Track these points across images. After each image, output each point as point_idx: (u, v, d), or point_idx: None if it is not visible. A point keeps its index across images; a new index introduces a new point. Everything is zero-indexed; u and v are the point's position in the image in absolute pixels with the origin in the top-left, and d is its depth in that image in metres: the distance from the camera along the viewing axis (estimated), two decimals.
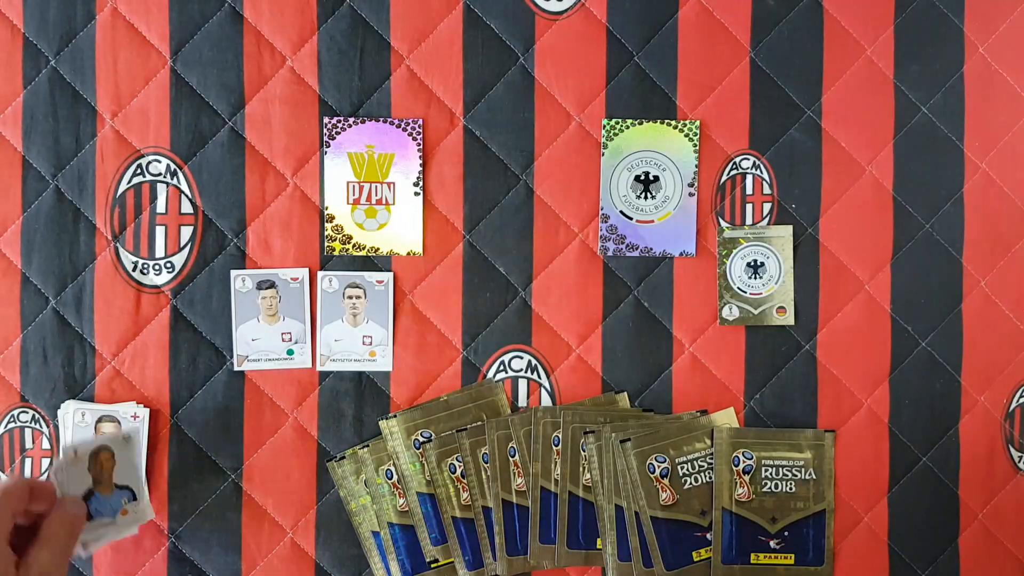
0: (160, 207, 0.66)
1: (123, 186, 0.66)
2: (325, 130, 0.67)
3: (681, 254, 0.68)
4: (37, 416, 0.66)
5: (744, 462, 0.67)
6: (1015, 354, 0.69)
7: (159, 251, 0.66)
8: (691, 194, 0.68)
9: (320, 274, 0.66)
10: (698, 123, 0.68)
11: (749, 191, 0.68)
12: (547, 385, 0.68)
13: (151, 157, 0.66)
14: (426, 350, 0.67)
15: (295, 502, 0.67)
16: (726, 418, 0.68)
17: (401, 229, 0.67)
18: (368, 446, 0.66)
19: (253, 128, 0.66)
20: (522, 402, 0.68)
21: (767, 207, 0.68)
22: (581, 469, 0.66)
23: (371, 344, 0.67)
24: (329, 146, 0.67)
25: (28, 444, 0.66)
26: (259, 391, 0.67)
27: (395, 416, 0.66)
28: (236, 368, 0.66)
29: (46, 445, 0.66)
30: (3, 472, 0.66)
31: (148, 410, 0.65)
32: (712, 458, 0.67)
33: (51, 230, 0.66)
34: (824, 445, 0.67)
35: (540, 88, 0.68)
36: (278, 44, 0.67)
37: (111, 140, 0.66)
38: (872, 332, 0.69)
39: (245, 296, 0.66)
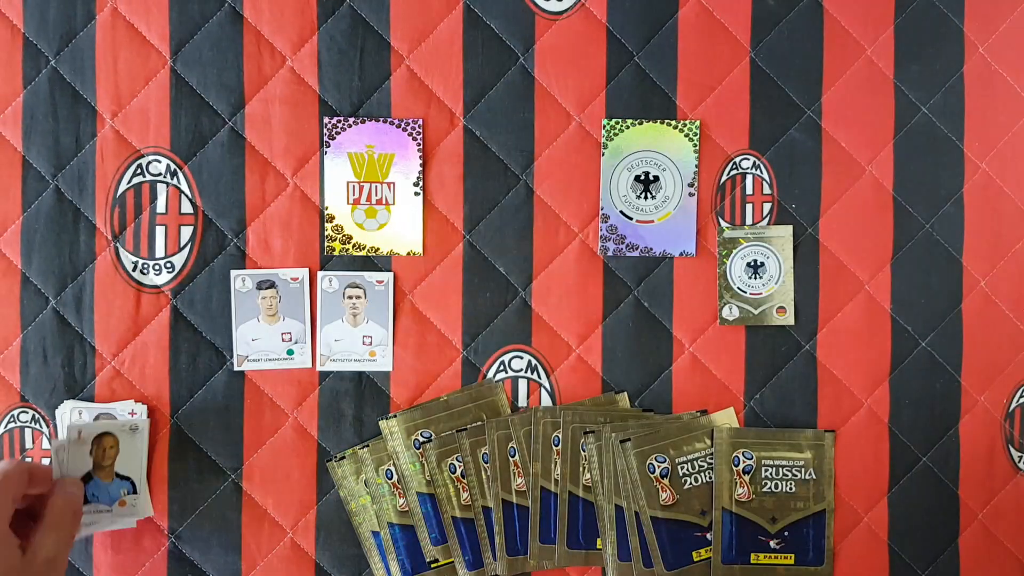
0: (160, 207, 0.66)
1: (123, 186, 0.66)
2: (325, 130, 0.67)
3: (681, 254, 0.68)
4: (37, 416, 0.66)
5: (744, 462, 0.67)
6: (1015, 354, 0.69)
7: (159, 251, 0.66)
8: (691, 194, 0.68)
9: (320, 274, 0.67)
10: (698, 123, 0.68)
11: (749, 191, 0.68)
12: (547, 385, 0.68)
13: (151, 157, 0.66)
14: (426, 350, 0.67)
15: (295, 502, 0.67)
16: (726, 418, 0.68)
17: (401, 229, 0.67)
18: (368, 446, 0.66)
19: (253, 128, 0.66)
20: (522, 402, 0.68)
21: (767, 207, 0.68)
22: (581, 469, 0.66)
23: (371, 344, 0.67)
24: (329, 146, 0.67)
25: (28, 444, 0.66)
26: (259, 391, 0.67)
27: (395, 416, 0.66)
28: (236, 368, 0.66)
29: (46, 445, 0.66)
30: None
31: (146, 407, 0.65)
32: (712, 458, 0.67)
33: (51, 230, 0.66)
34: (824, 445, 0.67)
35: (540, 88, 0.68)
36: (278, 44, 0.67)
37: (111, 140, 0.66)
38: (872, 332, 0.69)
39: (245, 296, 0.66)
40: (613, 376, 0.68)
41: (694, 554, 0.66)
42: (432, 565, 0.66)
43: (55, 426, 0.65)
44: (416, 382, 0.67)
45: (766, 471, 0.67)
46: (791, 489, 0.67)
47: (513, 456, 0.66)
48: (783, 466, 0.67)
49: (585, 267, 0.68)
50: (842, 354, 0.68)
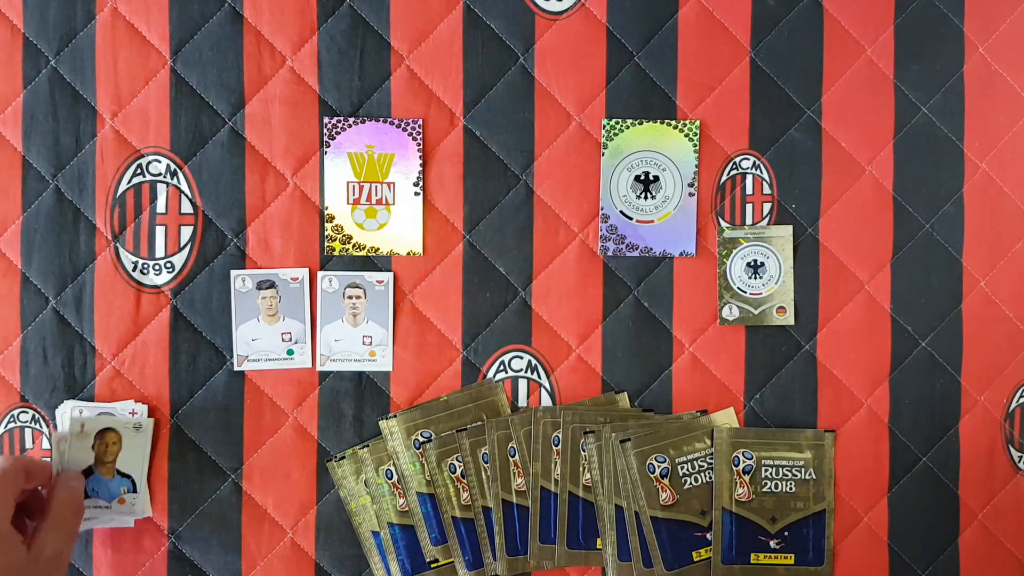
0: (160, 207, 0.66)
1: (123, 186, 0.66)
2: (325, 130, 0.67)
3: (681, 254, 0.68)
4: (37, 416, 0.66)
5: (744, 462, 0.67)
6: (1015, 354, 0.69)
7: (159, 251, 0.66)
8: (691, 194, 0.68)
9: (320, 274, 0.67)
10: (698, 123, 0.68)
11: (749, 191, 0.68)
12: (547, 385, 0.68)
13: (151, 157, 0.66)
14: (426, 350, 0.67)
15: (295, 502, 0.67)
16: (726, 418, 0.68)
17: (401, 229, 0.67)
18: (368, 446, 0.66)
19: (253, 128, 0.66)
20: (522, 402, 0.68)
21: (767, 207, 0.68)
22: (581, 469, 0.66)
23: (371, 344, 0.67)
24: (329, 146, 0.67)
25: (28, 444, 0.66)
26: (259, 391, 0.67)
27: (395, 416, 0.66)
28: (236, 368, 0.66)
29: (46, 445, 0.66)
30: None
31: (146, 407, 0.65)
32: (712, 458, 0.67)
33: (51, 230, 0.66)
34: (824, 445, 0.67)
35: (540, 88, 0.68)
36: (278, 44, 0.67)
37: (111, 140, 0.66)
38: (872, 332, 0.69)
39: (245, 296, 0.66)
40: (613, 376, 0.68)
41: (694, 554, 0.66)
42: (432, 565, 0.66)
43: (55, 426, 0.65)
44: (416, 382, 0.67)
45: (766, 471, 0.67)
46: (791, 489, 0.67)
47: (513, 456, 0.66)
48: (783, 466, 0.67)
49: (585, 267, 0.68)
50: (842, 354, 0.68)
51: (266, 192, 0.67)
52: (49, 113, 0.66)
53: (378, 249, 0.67)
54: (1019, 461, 0.69)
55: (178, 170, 0.66)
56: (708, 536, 0.66)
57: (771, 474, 0.67)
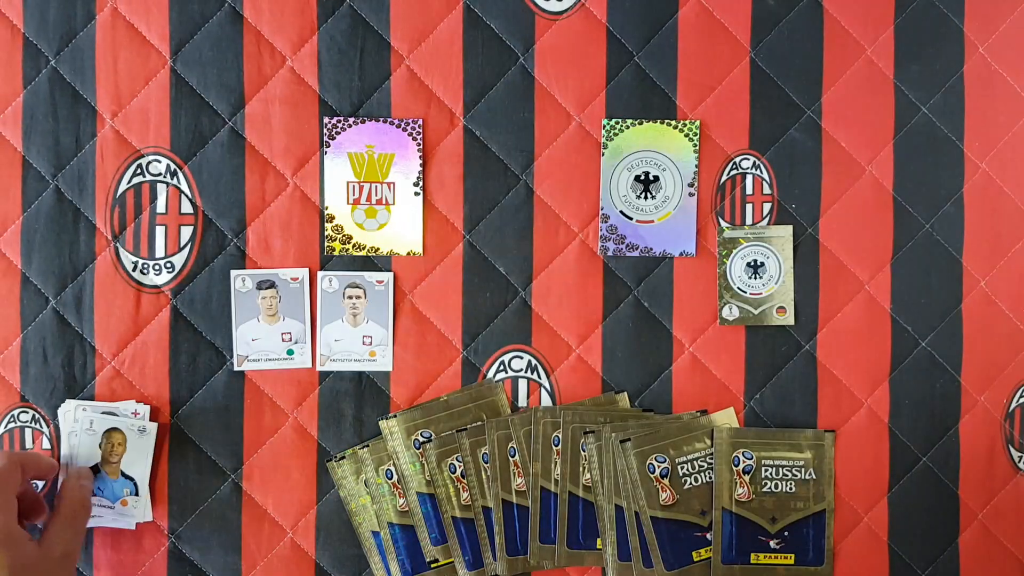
0: (160, 207, 0.66)
1: (123, 186, 0.66)
2: (325, 130, 0.67)
3: (681, 254, 0.68)
4: (37, 416, 0.66)
5: (744, 462, 0.67)
6: (1015, 354, 0.69)
7: (159, 251, 0.66)
8: (691, 194, 0.68)
9: (320, 274, 0.67)
10: (698, 123, 0.68)
11: (749, 191, 0.68)
12: (547, 385, 0.68)
13: (151, 157, 0.66)
14: (426, 350, 0.67)
15: (295, 502, 0.67)
16: (726, 418, 0.68)
17: (401, 229, 0.67)
18: (368, 446, 0.66)
19: (253, 128, 0.66)
20: (522, 402, 0.68)
21: (767, 207, 0.68)
22: (581, 469, 0.66)
23: (371, 344, 0.67)
24: (329, 146, 0.67)
25: (28, 444, 0.66)
26: (259, 391, 0.67)
27: (395, 416, 0.66)
28: (236, 368, 0.66)
29: (46, 445, 0.66)
30: None
31: (148, 407, 0.65)
32: (712, 458, 0.67)
33: (51, 230, 0.66)
34: (824, 445, 0.67)
35: (540, 88, 0.68)
36: (278, 44, 0.67)
37: (111, 140, 0.66)
38: (872, 332, 0.69)
39: (245, 296, 0.66)
40: (613, 376, 0.68)
41: (694, 554, 0.66)
42: (432, 565, 0.66)
43: (56, 426, 0.65)
44: (416, 382, 0.67)
45: (766, 471, 0.67)
46: (791, 489, 0.67)
47: (513, 456, 0.66)
48: (783, 466, 0.67)
49: (585, 267, 0.68)
50: (842, 354, 0.68)
51: (266, 192, 0.67)
52: (49, 113, 0.66)
53: (378, 249, 0.67)
54: (1019, 461, 0.69)
55: (178, 170, 0.66)
56: (708, 536, 0.66)
57: (771, 474, 0.67)
